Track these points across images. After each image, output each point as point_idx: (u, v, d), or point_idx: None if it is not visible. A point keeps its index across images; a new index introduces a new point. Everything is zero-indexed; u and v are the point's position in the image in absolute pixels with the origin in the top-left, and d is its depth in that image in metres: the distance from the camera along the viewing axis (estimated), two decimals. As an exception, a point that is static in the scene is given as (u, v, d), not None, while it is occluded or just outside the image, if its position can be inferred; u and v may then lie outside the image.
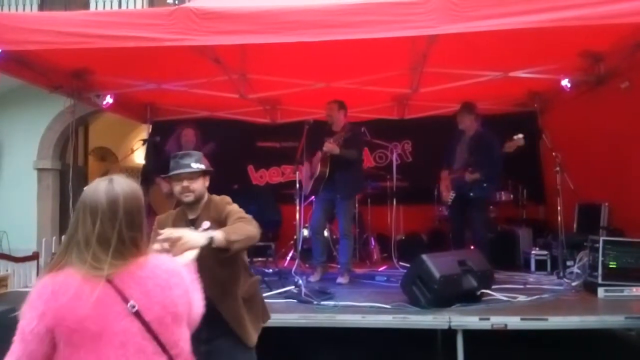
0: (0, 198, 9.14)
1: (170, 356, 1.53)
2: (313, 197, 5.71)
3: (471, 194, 5.30)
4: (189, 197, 2.54)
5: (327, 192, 5.27)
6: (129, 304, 1.48)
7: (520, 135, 4.93)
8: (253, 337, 2.58)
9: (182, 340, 1.59)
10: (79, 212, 1.58)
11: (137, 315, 1.49)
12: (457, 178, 5.48)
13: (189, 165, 2.56)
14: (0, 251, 7.07)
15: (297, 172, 5.26)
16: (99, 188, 1.59)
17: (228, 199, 2.62)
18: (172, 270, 1.61)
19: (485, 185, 5.31)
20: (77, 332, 1.45)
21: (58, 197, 9.35)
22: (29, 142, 9.32)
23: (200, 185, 2.56)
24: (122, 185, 1.62)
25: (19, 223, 8.70)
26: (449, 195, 5.57)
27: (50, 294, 1.48)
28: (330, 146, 5.08)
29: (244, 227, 2.36)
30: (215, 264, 2.34)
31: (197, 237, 2.10)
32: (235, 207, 2.55)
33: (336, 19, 3.55)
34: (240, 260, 2.59)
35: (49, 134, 9.37)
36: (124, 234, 1.54)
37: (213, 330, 2.38)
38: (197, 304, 1.68)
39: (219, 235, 2.19)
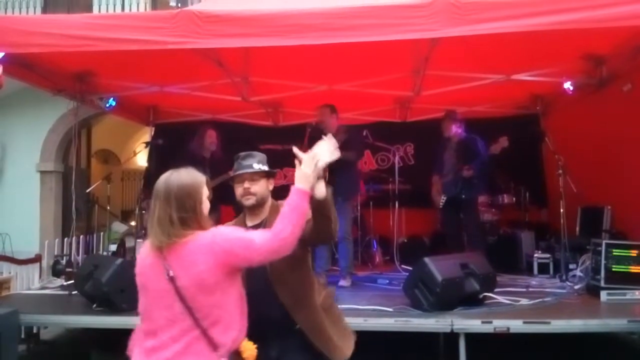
0: (3, 200, 9.16)
1: (194, 319, 1.88)
2: None
3: (463, 196, 5.57)
4: (249, 200, 2.38)
5: None
6: (167, 272, 1.90)
7: (504, 137, 5.25)
8: (343, 351, 2.34)
9: (214, 307, 1.91)
10: (152, 198, 2.03)
11: (172, 281, 1.89)
12: (448, 182, 5.71)
13: (250, 166, 2.41)
14: (3, 253, 7.08)
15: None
16: (161, 179, 2.03)
17: None
18: (203, 250, 1.91)
19: (475, 185, 5.58)
20: (140, 283, 2.00)
21: (61, 199, 9.37)
22: (32, 145, 9.34)
23: (262, 187, 2.40)
24: (179, 175, 2.02)
25: (22, 225, 8.71)
26: (441, 199, 5.83)
27: (139, 257, 2.06)
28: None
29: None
30: (285, 268, 2.22)
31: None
32: None
33: (339, 22, 3.55)
34: (309, 265, 2.41)
35: (51, 137, 9.39)
36: (173, 216, 1.93)
37: (285, 346, 2.24)
38: (246, 248, 1.93)
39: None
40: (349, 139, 5.19)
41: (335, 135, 5.23)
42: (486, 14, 3.47)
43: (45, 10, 9.21)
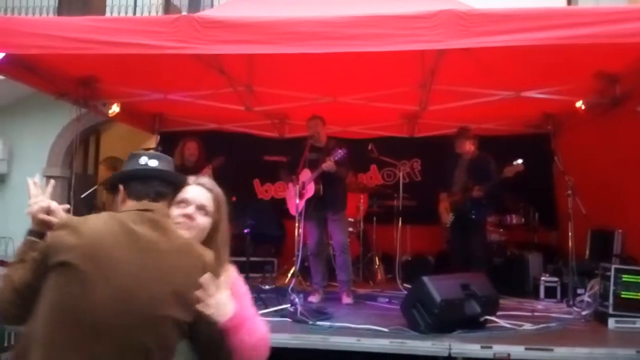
0: (8, 204, 9.15)
1: None
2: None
3: (472, 216, 5.46)
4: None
5: (317, 210, 5.14)
6: None
7: (520, 161, 5.06)
8: None
9: None
10: None
11: None
12: (457, 201, 5.61)
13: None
14: (4, 257, 7.02)
15: (298, 186, 5.09)
16: None
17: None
18: None
19: (484, 206, 5.49)
20: None
21: (66, 204, 9.36)
22: (39, 150, 9.37)
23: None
24: None
25: (25, 230, 8.70)
26: (449, 218, 5.72)
27: None
28: (331, 164, 4.96)
29: None
30: None
31: None
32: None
33: (341, 31, 3.47)
34: None
35: (59, 142, 9.43)
36: None
37: None
38: None
39: None
40: (342, 154, 5.04)
41: (326, 147, 5.21)
42: (493, 26, 3.37)
43: (59, 15, 9.26)
